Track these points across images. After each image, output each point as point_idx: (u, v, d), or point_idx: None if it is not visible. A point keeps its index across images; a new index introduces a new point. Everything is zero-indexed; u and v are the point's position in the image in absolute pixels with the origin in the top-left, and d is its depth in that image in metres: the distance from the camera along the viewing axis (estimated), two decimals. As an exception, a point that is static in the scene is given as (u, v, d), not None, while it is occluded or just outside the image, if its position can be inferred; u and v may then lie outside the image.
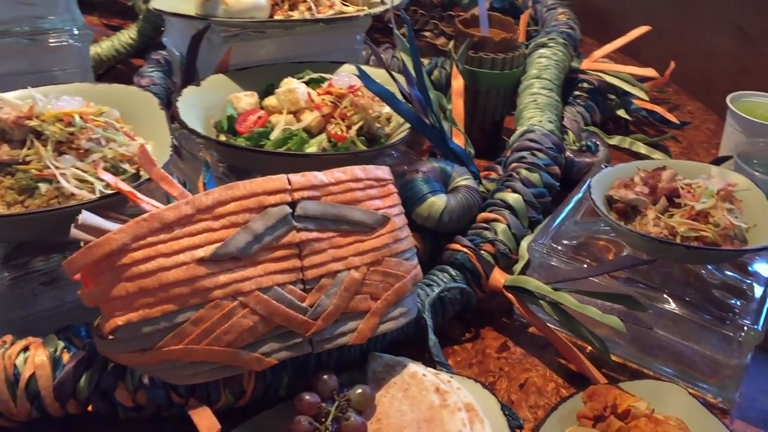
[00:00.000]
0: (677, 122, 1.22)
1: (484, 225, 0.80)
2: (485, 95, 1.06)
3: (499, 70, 1.04)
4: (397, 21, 0.97)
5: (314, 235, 0.61)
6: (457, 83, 0.92)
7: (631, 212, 0.78)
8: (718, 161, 1.00)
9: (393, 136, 0.87)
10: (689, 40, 2.59)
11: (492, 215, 0.81)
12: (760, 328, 0.67)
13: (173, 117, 0.83)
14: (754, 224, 0.77)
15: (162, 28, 1.16)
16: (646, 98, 1.13)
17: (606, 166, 0.91)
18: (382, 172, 0.67)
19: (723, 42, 2.57)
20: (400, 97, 0.84)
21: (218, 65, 0.93)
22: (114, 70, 1.25)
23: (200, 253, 0.57)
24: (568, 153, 1.03)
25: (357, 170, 0.65)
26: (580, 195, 0.85)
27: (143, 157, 0.64)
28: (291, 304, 0.60)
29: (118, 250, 0.55)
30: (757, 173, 0.89)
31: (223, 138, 0.84)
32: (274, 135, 0.82)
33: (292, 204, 0.61)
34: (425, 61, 1.24)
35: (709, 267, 0.77)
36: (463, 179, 0.81)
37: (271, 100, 0.86)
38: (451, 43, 1.09)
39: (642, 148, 1.09)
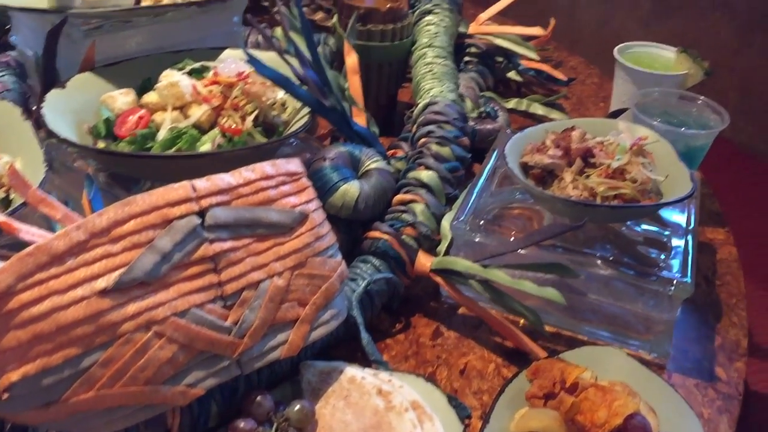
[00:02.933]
0: (564, 79, 1.23)
1: (402, 207, 0.76)
2: (377, 69, 1.02)
3: (390, 42, 1.00)
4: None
5: (229, 244, 0.55)
6: (351, 60, 0.87)
7: (548, 177, 0.77)
8: (616, 114, 1.01)
9: (292, 123, 0.81)
10: (554, -4, 2.66)
11: (408, 196, 0.77)
12: (689, 280, 0.67)
13: (38, 125, 0.73)
14: (665, 175, 0.77)
15: (7, 26, 1.03)
16: (537, 58, 1.13)
17: (511, 131, 0.89)
18: (294, 165, 0.62)
19: (584, -5, 2.65)
20: (294, 80, 0.78)
21: (82, 63, 0.83)
22: (-45, 78, 1.11)
23: (101, 283, 0.49)
24: (469, 122, 1.01)
25: (266, 167, 0.60)
26: (491, 164, 0.83)
27: (14, 178, 0.55)
28: (212, 325, 0.54)
29: (2, 295, 0.46)
30: (656, 123, 0.90)
31: (102, 145, 0.75)
32: (161, 135, 0.74)
33: (201, 213, 0.54)
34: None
35: (628, 223, 0.78)
36: (373, 162, 0.77)
37: (151, 97, 0.78)
38: (335, 18, 1.04)
39: (539, 109, 1.09)
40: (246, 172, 0.58)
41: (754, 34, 2.21)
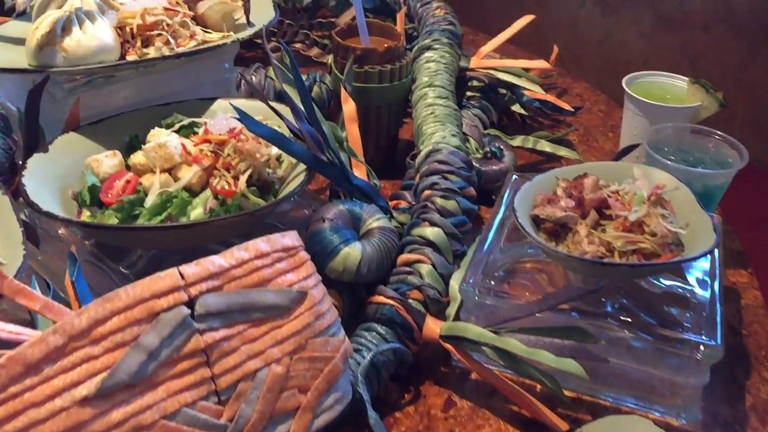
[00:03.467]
0: (570, 109, 1.19)
1: (407, 269, 0.72)
2: (376, 111, 0.99)
3: (389, 83, 0.96)
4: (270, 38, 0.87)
5: (222, 333, 0.51)
6: (349, 108, 0.84)
7: (561, 230, 0.73)
8: (627, 150, 0.97)
9: (288, 180, 0.77)
10: (553, 11, 2.63)
11: (414, 256, 0.73)
12: (719, 344, 0.63)
13: (16, 192, 0.70)
14: (686, 223, 0.73)
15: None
16: (541, 92, 1.09)
17: (518, 175, 0.85)
18: (290, 239, 0.58)
19: (584, 10, 2.62)
20: (287, 132, 0.75)
21: (67, 121, 0.79)
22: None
23: (82, 391, 0.45)
24: (473, 163, 0.97)
25: (261, 244, 0.56)
26: (500, 216, 0.79)
27: (-12, 269, 0.51)
28: (206, 424, 0.50)
29: (-28, 414, 0.43)
30: (669, 162, 0.86)
31: (87, 214, 0.71)
32: (150, 201, 0.70)
33: (190, 302, 0.50)
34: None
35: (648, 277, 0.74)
36: (375, 220, 0.73)
37: (138, 158, 0.74)
38: (330, 58, 1.00)
39: (546, 146, 1.05)
40: (238, 252, 0.54)
41: (760, 47, 2.18)
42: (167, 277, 0.50)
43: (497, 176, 0.96)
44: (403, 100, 1.01)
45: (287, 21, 1.26)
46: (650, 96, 1.02)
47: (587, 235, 0.71)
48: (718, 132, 0.91)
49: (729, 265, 0.90)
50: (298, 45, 1.25)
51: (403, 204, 0.83)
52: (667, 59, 2.42)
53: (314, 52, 1.24)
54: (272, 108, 0.74)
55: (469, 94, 1.11)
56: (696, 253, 0.67)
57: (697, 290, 0.71)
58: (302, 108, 0.75)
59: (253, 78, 1.12)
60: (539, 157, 1.10)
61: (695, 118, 0.99)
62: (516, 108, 1.16)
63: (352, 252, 0.69)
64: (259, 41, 1.26)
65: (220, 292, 0.52)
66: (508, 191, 0.84)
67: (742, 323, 0.81)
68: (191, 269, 0.51)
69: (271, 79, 1.12)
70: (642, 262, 0.67)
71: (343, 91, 0.85)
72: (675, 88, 1.04)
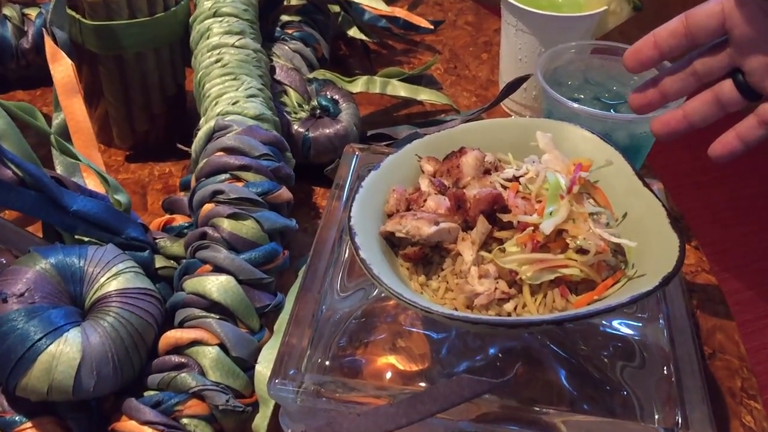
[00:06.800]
0: (429, 27, 0.91)
1: (177, 359, 0.43)
2: (137, 62, 0.66)
3: (148, 16, 0.64)
4: None
5: None
6: (62, 71, 0.51)
7: (433, 254, 0.46)
8: (512, 87, 0.70)
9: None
10: None
11: (188, 334, 0.43)
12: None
13: None
14: (624, 213, 0.48)
15: None
16: (384, 8, 0.80)
17: (359, 151, 0.57)
18: None
19: None
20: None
21: None
22: None
23: None
24: (296, 127, 0.67)
25: None
26: (332, 232, 0.51)
27: None
28: None
29: None
30: (576, 105, 0.60)
31: None
32: None
33: None
34: (32, 13, 0.80)
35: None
36: (110, 277, 0.43)
37: None
38: (54, -17, 0.66)
39: (401, 90, 0.76)
40: None
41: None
42: None
43: (333, 144, 0.67)
44: (180, 40, 0.69)
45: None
46: (537, 3, 0.75)
47: (476, 262, 0.44)
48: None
49: (666, 239, 0.66)
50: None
51: (179, 220, 0.53)
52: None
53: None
54: None
55: (285, 18, 0.79)
56: (653, 277, 0.42)
57: (650, 331, 0.46)
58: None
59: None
60: (392, 101, 0.81)
61: (601, 30, 0.74)
62: (354, 33, 0.86)
63: (63, 352, 0.39)
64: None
65: None
66: (348, 178, 0.55)
67: (701, 333, 0.58)
68: None
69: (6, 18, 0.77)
70: (570, 312, 0.41)
71: (48, 41, 0.52)
72: (568, -11, 0.78)
